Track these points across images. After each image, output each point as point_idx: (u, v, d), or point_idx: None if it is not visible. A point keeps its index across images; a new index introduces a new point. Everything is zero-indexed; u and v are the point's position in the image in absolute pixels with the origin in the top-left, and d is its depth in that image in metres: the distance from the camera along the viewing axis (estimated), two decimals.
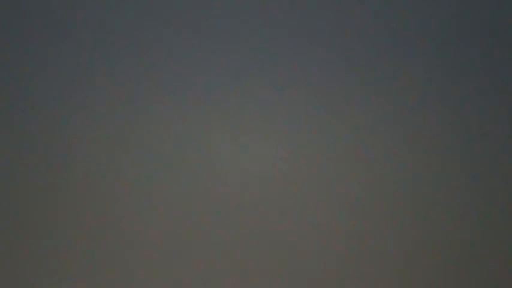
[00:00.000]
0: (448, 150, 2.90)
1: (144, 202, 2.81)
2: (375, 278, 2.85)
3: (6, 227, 2.77)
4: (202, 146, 2.85)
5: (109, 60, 2.85)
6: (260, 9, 2.91)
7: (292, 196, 2.85)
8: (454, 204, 2.89)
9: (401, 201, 2.88)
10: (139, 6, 2.88)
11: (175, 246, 2.81)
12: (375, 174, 2.88)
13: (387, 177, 2.88)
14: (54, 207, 2.78)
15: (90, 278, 2.78)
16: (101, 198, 2.80)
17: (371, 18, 2.92)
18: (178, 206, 2.82)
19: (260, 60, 2.89)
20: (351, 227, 2.86)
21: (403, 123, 2.90)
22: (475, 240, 2.88)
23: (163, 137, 2.84)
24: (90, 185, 2.80)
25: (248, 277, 2.82)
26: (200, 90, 2.87)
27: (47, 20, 2.85)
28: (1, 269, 2.76)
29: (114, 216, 2.80)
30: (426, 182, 2.88)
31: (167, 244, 2.81)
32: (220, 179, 2.84)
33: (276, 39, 2.90)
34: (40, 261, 2.77)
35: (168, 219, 2.82)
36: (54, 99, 2.83)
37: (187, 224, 2.82)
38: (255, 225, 2.84)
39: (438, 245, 2.87)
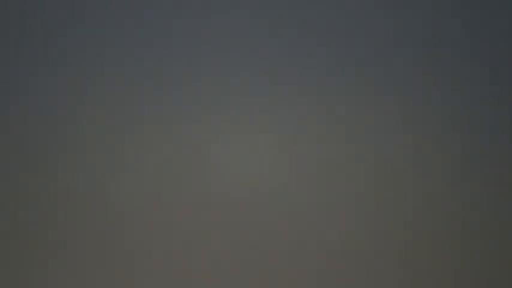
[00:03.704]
0: (450, 151, 2.90)
1: (143, 202, 2.82)
2: (375, 278, 2.85)
3: (5, 227, 2.77)
4: (203, 146, 2.85)
5: (108, 60, 2.85)
6: (260, 8, 2.91)
7: (292, 196, 2.85)
8: (456, 205, 2.89)
9: (403, 202, 2.88)
10: (140, 6, 2.88)
11: (175, 245, 2.81)
12: (374, 174, 2.88)
13: (388, 178, 2.88)
14: (54, 208, 2.78)
15: (90, 277, 2.78)
16: (100, 198, 2.80)
17: (372, 17, 2.93)
18: (178, 206, 2.82)
19: (259, 60, 2.89)
20: (350, 228, 2.86)
21: (405, 123, 2.90)
22: (477, 242, 2.88)
23: (163, 137, 2.84)
24: (89, 185, 2.80)
25: (247, 278, 2.82)
26: (199, 90, 2.87)
27: (47, 18, 2.85)
28: (1, 269, 2.76)
29: (113, 216, 2.80)
30: (428, 182, 2.88)
31: (167, 244, 2.81)
32: (220, 179, 2.84)
33: (275, 39, 2.90)
34: (40, 262, 2.77)
35: (167, 219, 2.82)
36: (53, 100, 2.83)
37: (186, 224, 2.82)
38: (254, 225, 2.84)
39: (440, 246, 2.87)
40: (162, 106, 2.85)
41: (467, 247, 2.87)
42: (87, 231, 2.79)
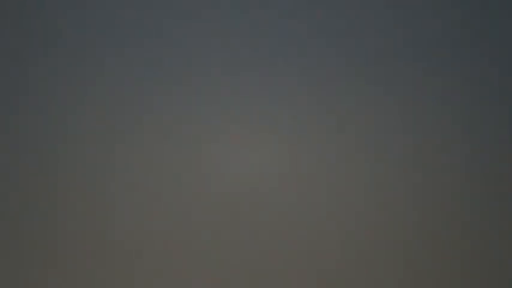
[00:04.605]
0: (450, 151, 2.90)
1: (143, 202, 2.82)
2: (375, 278, 2.85)
3: (5, 227, 2.77)
4: (203, 146, 2.85)
5: (108, 61, 2.85)
6: (260, 8, 2.91)
7: (292, 196, 2.85)
8: (456, 205, 2.89)
9: (403, 202, 2.88)
10: (140, 6, 2.88)
11: (175, 245, 2.81)
12: (375, 175, 2.88)
13: (388, 178, 2.88)
14: (54, 208, 2.78)
15: (90, 277, 2.78)
16: (100, 198, 2.80)
17: (372, 17, 2.93)
18: (178, 206, 2.82)
19: (260, 60, 2.89)
20: (350, 228, 2.86)
21: (405, 123, 2.90)
22: (477, 242, 2.88)
23: (163, 137, 2.84)
24: (89, 186, 2.80)
25: (247, 277, 2.82)
26: (199, 90, 2.87)
27: (47, 18, 2.85)
28: (1, 269, 2.76)
29: (113, 216, 2.80)
30: (428, 182, 2.88)
31: (166, 243, 2.81)
32: (220, 179, 2.84)
33: (275, 40, 2.90)
34: (40, 262, 2.77)
35: (167, 219, 2.82)
36: (53, 100, 2.83)
37: (186, 224, 2.82)
38: (254, 225, 2.84)
39: (440, 246, 2.87)
40: (162, 106, 2.85)
41: (467, 247, 2.87)
42: (87, 231, 2.79)
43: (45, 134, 2.81)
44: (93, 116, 2.83)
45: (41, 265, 2.77)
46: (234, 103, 2.87)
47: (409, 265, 2.86)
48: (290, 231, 2.84)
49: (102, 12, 2.87)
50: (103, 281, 2.78)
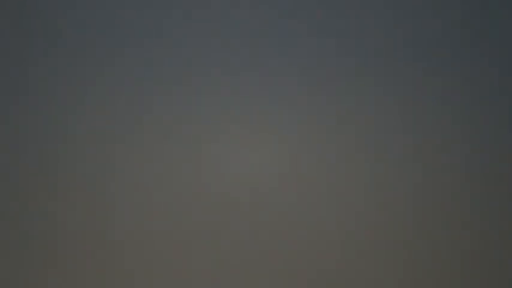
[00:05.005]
0: (450, 151, 2.90)
1: (143, 202, 2.81)
2: (375, 278, 2.85)
3: (5, 227, 2.77)
4: (203, 146, 2.85)
5: (108, 61, 2.85)
6: (260, 8, 2.91)
7: (292, 196, 2.85)
8: (456, 205, 2.89)
9: (403, 202, 2.88)
10: (140, 7, 2.88)
11: (175, 245, 2.81)
12: (375, 175, 2.88)
13: (388, 178, 2.88)
14: (54, 207, 2.78)
15: (89, 277, 2.78)
16: (100, 198, 2.80)
17: (372, 17, 2.92)
18: (178, 206, 2.82)
19: (260, 59, 2.89)
20: (350, 228, 2.86)
21: (405, 123, 2.90)
22: (477, 242, 2.88)
23: (163, 137, 2.84)
24: (89, 186, 2.80)
25: (247, 278, 2.82)
26: (199, 90, 2.87)
27: (47, 18, 2.85)
28: (1, 269, 2.76)
29: (113, 216, 2.80)
30: (428, 182, 2.88)
31: (167, 244, 2.81)
32: (220, 179, 2.84)
33: (275, 39, 2.90)
34: (40, 262, 2.77)
35: (167, 219, 2.82)
36: (53, 100, 2.83)
37: (186, 224, 2.82)
38: (254, 225, 2.84)
39: (440, 246, 2.87)
40: (162, 106, 2.85)
41: (467, 247, 2.87)
42: (87, 231, 2.79)
43: (45, 134, 2.81)
44: (93, 116, 2.83)
45: (41, 265, 2.77)
46: (234, 103, 2.87)
47: (409, 265, 2.85)
48: (290, 231, 2.84)
49: (102, 12, 2.87)
50: (103, 281, 2.78)
